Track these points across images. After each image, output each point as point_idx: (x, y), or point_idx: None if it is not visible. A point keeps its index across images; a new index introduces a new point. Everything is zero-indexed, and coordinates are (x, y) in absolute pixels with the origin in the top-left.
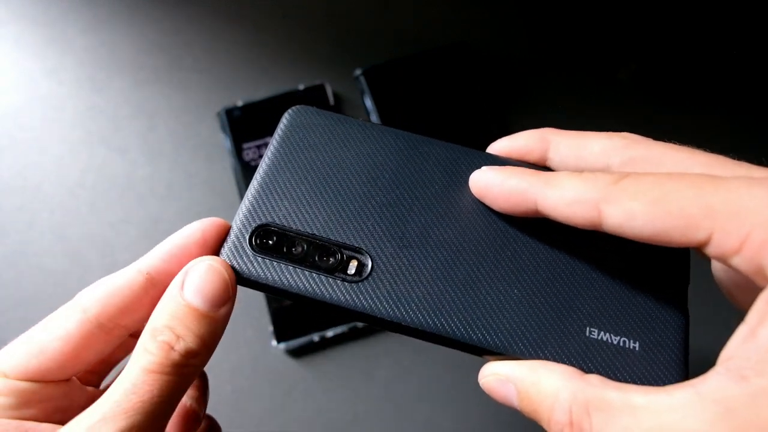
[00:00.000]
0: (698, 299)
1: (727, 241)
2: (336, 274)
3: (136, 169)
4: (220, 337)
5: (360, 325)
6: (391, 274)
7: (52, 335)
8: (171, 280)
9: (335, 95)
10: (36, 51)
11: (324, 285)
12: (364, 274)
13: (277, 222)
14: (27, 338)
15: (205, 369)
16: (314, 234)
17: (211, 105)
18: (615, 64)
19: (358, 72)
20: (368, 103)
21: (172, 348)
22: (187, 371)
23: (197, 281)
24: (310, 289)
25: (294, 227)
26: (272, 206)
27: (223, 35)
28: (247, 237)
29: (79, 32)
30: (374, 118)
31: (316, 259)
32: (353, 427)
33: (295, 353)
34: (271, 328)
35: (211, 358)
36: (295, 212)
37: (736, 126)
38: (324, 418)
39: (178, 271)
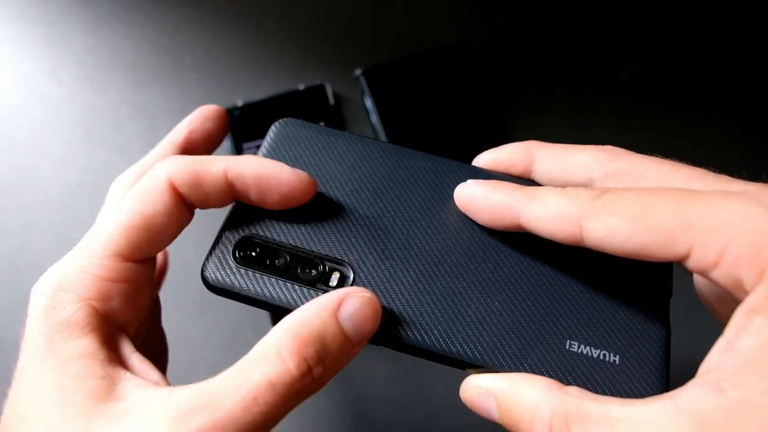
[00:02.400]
0: (682, 311)
1: (705, 255)
2: (318, 285)
3: None
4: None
5: None
6: (372, 286)
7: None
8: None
9: (335, 95)
10: (35, 51)
11: (306, 297)
12: (346, 286)
13: (261, 234)
14: (119, 210)
15: (206, 371)
16: (297, 246)
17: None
18: (615, 64)
19: (358, 72)
20: (368, 103)
21: (310, 371)
22: (301, 399)
23: (357, 310)
24: (292, 301)
25: (277, 239)
26: (256, 218)
27: (223, 35)
28: (231, 249)
29: (79, 32)
30: (374, 118)
31: (299, 271)
32: (353, 427)
33: None
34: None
35: (213, 359)
36: (278, 224)
37: (736, 126)
38: (324, 418)
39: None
